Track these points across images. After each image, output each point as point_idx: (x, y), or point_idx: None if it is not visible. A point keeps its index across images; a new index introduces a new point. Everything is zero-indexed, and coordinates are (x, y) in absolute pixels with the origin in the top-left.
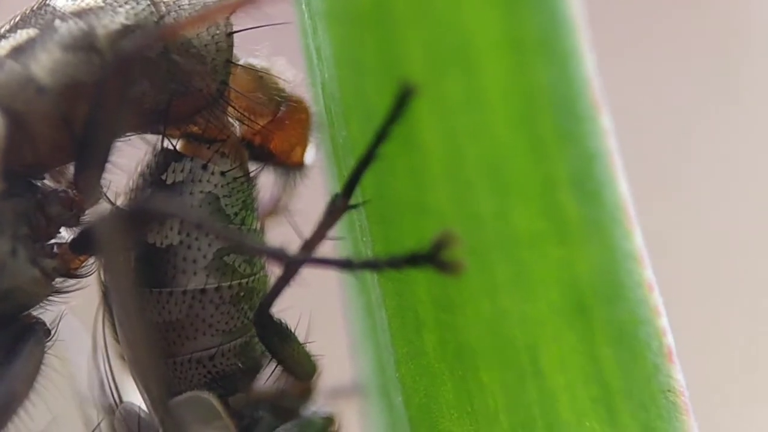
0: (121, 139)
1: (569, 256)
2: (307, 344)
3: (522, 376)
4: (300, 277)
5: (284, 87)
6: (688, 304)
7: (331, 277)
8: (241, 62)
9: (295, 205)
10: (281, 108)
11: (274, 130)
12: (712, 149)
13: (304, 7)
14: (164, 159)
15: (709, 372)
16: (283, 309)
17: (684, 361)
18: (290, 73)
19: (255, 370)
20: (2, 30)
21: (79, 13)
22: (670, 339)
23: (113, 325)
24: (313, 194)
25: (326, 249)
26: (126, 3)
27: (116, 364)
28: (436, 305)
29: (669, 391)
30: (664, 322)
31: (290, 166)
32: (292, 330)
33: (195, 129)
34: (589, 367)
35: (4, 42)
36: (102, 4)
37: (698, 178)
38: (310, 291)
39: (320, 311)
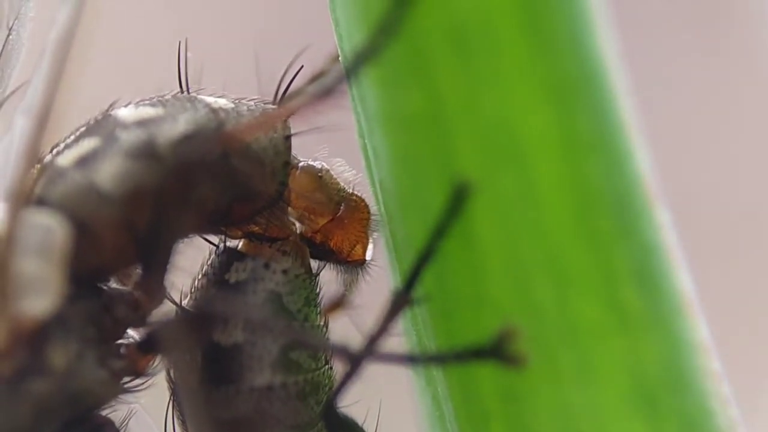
0: (184, 240)
1: (633, 346)
2: None
3: None
4: (367, 372)
5: (343, 187)
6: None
7: (399, 369)
8: (300, 164)
9: (357, 300)
10: (341, 207)
11: (335, 229)
12: None
13: (359, 109)
14: (227, 259)
15: None
16: (352, 404)
17: None
18: (349, 174)
19: None
20: (66, 141)
21: (140, 122)
22: (742, 431)
23: (183, 422)
24: (374, 290)
25: (390, 343)
26: (185, 111)
27: None
28: (502, 396)
29: None
30: (734, 412)
31: (351, 263)
32: (361, 424)
33: (256, 229)
34: None
35: (68, 152)
36: (162, 113)
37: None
38: (379, 384)
39: (390, 405)
